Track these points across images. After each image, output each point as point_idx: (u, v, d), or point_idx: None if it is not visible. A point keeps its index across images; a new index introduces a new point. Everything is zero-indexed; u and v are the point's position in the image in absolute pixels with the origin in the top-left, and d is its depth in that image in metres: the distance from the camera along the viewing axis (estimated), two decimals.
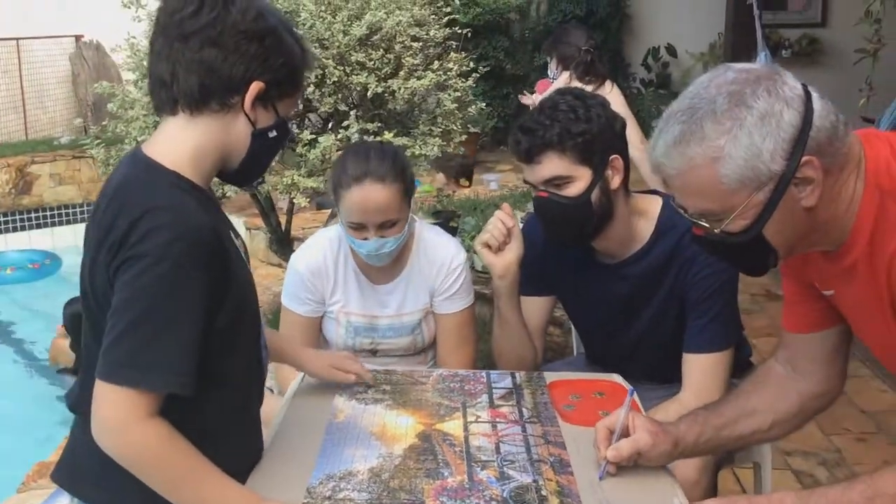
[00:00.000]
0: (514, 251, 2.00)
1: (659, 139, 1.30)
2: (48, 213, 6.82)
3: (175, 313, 1.29)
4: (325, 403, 1.82)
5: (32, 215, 6.75)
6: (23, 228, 6.70)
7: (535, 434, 1.67)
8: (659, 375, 2.12)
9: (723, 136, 1.23)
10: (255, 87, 1.39)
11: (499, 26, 8.57)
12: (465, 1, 7.92)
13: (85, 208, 6.96)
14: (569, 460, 1.57)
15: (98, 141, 3.47)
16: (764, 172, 1.23)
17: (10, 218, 6.64)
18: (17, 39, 8.66)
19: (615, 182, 1.95)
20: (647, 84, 8.65)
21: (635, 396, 1.65)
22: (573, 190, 1.92)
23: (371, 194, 2.04)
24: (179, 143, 1.40)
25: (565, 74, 4.04)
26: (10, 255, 6.19)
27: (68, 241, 6.74)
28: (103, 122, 3.60)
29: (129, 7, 3.27)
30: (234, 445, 1.49)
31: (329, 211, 3.73)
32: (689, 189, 1.30)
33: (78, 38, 9.46)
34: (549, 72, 4.20)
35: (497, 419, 1.74)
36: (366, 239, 2.09)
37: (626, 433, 1.53)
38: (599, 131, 1.92)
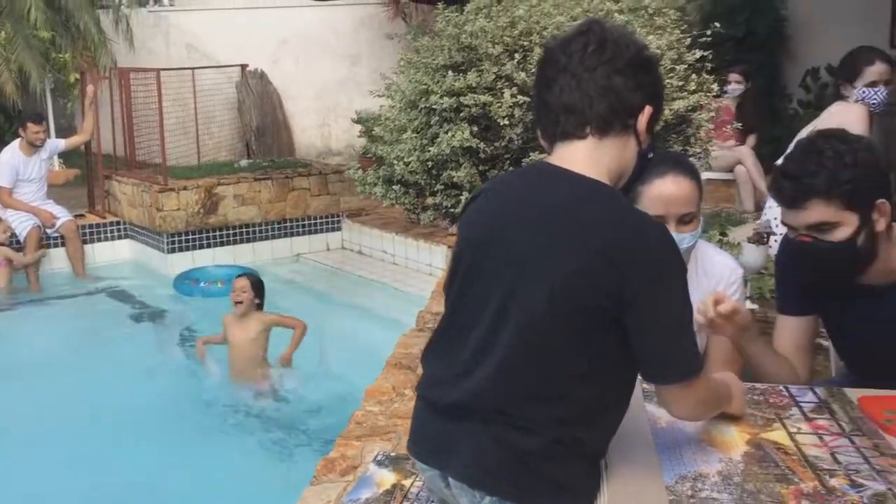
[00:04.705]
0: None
1: None
2: (230, 232, 7.23)
3: (690, 314, 1.54)
4: (636, 409, 1.92)
5: (217, 233, 7.17)
6: (208, 246, 7.13)
7: (866, 446, 1.73)
8: None
9: None
10: (648, 110, 1.57)
11: None
12: None
13: (262, 227, 7.34)
14: None
15: (356, 165, 3.71)
16: None
17: (197, 236, 7.08)
18: (192, 69, 9.26)
19: (881, 225, 1.98)
20: (806, 105, 8.48)
21: None
22: (839, 235, 1.95)
23: (673, 187, 2.22)
24: (594, 164, 1.56)
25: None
26: (214, 271, 6.67)
27: (248, 257, 7.15)
28: (363, 145, 3.86)
29: None
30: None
31: None
32: None
33: (243, 67, 10.03)
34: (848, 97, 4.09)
35: (819, 431, 1.81)
36: None
37: None
38: (865, 176, 1.93)
